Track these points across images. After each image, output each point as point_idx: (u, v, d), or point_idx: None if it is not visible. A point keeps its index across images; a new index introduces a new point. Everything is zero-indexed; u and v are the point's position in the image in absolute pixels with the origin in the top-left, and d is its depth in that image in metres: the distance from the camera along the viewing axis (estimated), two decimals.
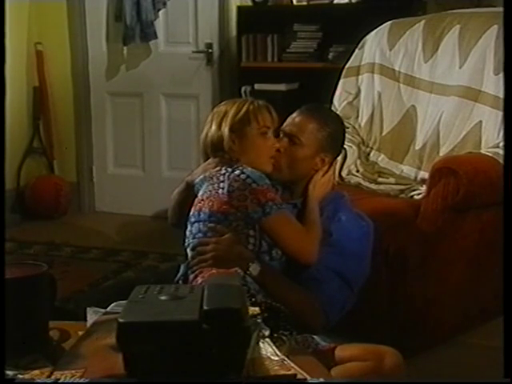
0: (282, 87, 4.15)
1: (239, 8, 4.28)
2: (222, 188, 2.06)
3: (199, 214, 2.12)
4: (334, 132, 2.26)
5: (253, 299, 1.63)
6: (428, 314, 2.48)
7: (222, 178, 2.07)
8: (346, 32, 3.86)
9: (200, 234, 2.09)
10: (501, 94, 2.82)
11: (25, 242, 4.17)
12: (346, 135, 3.31)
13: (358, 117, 3.38)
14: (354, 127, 3.37)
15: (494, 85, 2.85)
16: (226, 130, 2.10)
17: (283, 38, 4.21)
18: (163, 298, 1.24)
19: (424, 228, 2.55)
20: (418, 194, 2.87)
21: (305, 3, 4.16)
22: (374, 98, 3.34)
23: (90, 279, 3.41)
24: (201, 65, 4.57)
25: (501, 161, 2.58)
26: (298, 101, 3.95)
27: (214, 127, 2.13)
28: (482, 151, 2.75)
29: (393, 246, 2.49)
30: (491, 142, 2.80)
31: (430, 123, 3.08)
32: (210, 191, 2.09)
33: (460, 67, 3.02)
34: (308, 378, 1.20)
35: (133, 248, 4.06)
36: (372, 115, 3.32)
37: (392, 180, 3.09)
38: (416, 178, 3.04)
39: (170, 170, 4.82)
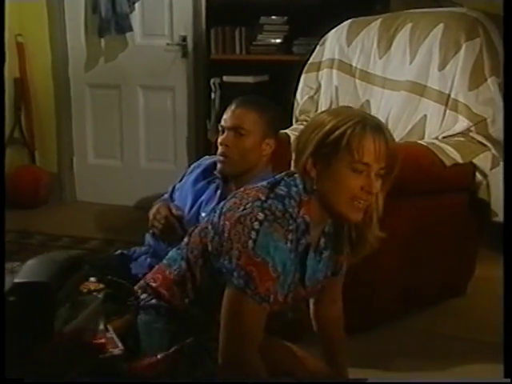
0: (249, 79, 4.40)
1: (208, 0, 4.53)
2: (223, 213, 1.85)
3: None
4: (274, 117, 2.58)
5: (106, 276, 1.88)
6: (361, 298, 2.72)
7: (244, 202, 1.82)
8: (312, 25, 4.12)
9: None
10: (444, 89, 3.08)
11: None
12: None
13: (316, 111, 3.63)
14: None
15: (438, 80, 3.11)
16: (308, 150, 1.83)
17: (251, 30, 4.47)
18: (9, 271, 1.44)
19: None
20: None
21: None
22: (332, 92, 3.60)
23: None
24: (176, 57, 4.83)
25: (435, 151, 2.85)
26: (267, 93, 4.24)
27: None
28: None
29: None
30: (433, 134, 3.06)
31: (381, 117, 3.31)
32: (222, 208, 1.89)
33: (410, 63, 3.27)
34: None
35: (103, 237, 4.33)
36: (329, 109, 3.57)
37: None
38: None
39: (148, 161, 5.10)
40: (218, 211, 1.87)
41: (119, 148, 5.18)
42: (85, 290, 1.46)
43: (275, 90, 4.17)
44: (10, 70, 5.15)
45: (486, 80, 2.99)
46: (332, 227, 1.94)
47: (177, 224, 2.48)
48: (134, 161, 5.15)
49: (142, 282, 2.07)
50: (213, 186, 2.64)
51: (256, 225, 1.73)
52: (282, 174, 1.91)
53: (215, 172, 2.64)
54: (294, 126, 3.67)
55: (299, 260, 1.86)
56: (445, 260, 3.04)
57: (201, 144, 4.83)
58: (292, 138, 3.46)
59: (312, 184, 1.80)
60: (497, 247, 3.84)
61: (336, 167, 1.77)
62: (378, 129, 1.78)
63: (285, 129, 3.63)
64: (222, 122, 2.58)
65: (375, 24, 3.48)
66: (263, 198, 1.78)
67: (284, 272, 1.78)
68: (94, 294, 1.56)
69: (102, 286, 1.64)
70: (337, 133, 1.75)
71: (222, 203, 1.91)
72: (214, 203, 2.53)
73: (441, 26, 3.16)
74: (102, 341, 1.52)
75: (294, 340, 2.09)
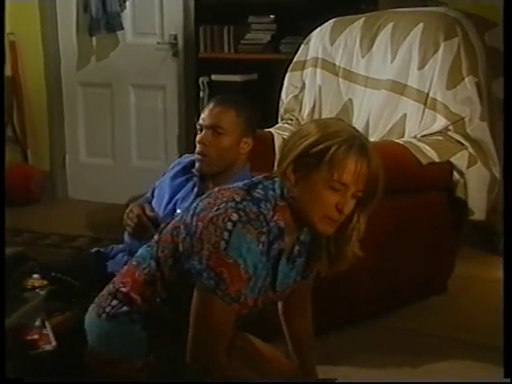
0: (237, 78, 4.44)
1: None
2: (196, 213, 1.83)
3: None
4: (250, 116, 2.61)
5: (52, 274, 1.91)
6: (341, 296, 2.76)
7: (218, 202, 1.81)
8: (300, 24, 4.15)
9: None
10: (423, 88, 3.11)
11: None
12: (289, 127, 3.64)
13: (301, 110, 3.67)
14: (297, 119, 3.66)
15: (417, 79, 3.14)
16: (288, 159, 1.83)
17: (239, 29, 4.50)
18: None
19: None
20: None
21: None
22: (315, 91, 3.63)
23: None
24: (167, 56, 4.86)
25: (412, 150, 2.88)
26: (255, 92, 4.27)
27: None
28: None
29: None
30: (413, 133, 3.09)
31: (363, 116, 3.37)
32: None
33: (391, 62, 3.30)
34: None
35: (94, 235, 4.38)
36: (313, 108, 3.62)
37: None
38: None
39: (140, 159, 5.14)
40: (191, 211, 1.85)
41: (111, 146, 5.22)
42: (29, 287, 1.49)
43: (264, 89, 4.22)
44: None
45: (463, 79, 3.02)
46: (308, 236, 1.93)
47: (149, 224, 2.51)
48: (125, 159, 5.19)
49: (110, 286, 2.01)
50: (190, 184, 2.68)
51: (229, 225, 1.72)
52: (261, 176, 1.91)
53: (193, 170, 2.68)
54: (279, 124, 3.71)
55: (271, 265, 1.87)
56: (423, 258, 3.07)
57: (191, 142, 4.85)
58: (276, 136, 3.50)
59: (290, 190, 1.81)
60: (481, 245, 3.92)
61: (314, 179, 1.77)
62: (363, 151, 1.77)
63: (270, 127, 3.68)
64: (200, 121, 2.62)
65: (358, 23, 3.51)
66: (238, 199, 1.78)
67: (255, 275, 1.79)
68: (37, 290, 1.59)
69: (45, 282, 1.67)
70: (321, 146, 1.75)
71: (195, 203, 1.89)
72: (190, 201, 2.57)
73: (421, 25, 3.19)
74: (35, 337, 1.55)
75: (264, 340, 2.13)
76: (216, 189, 1.90)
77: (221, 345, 1.76)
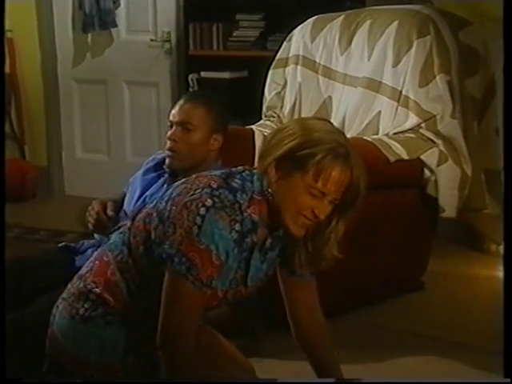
0: (225, 75, 4.50)
1: None
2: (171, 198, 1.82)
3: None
4: (221, 112, 2.64)
5: None
6: None
7: (194, 187, 1.80)
8: (288, 21, 4.19)
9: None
10: (397, 86, 3.15)
11: None
12: (270, 124, 3.69)
13: (282, 107, 3.72)
14: (279, 116, 3.71)
15: (391, 77, 3.19)
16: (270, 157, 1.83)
17: (228, 26, 4.56)
18: None
19: None
20: None
21: None
22: (296, 88, 3.67)
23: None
24: (160, 53, 4.93)
25: (380, 147, 2.92)
26: (245, 89, 4.32)
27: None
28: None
29: None
30: (386, 130, 3.14)
31: (341, 113, 3.41)
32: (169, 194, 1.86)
33: (368, 60, 3.34)
34: None
35: (86, 230, 4.44)
36: (294, 105, 3.66)
37: None
38: None
39: (134, 156, 5.19)
40: (166, 197, 1.84)
41: (106, 143, 5.30)
42: None
43: (254, 86, 4.26)
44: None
45: (434, 77, 3.05)
46: (283, 231, 1.91)
47: (106, 222, 2.57)
48: (120, 155, 5.27)
49: (81, 285, 1.95)
50: (161, 180, 2.72)
51: (202, 210, 1.72)
52: (240, 168, 1.91)
53: (164, 166, 2.73)
54: (261, 121, 3.75)
55: (243, 258, 1.86)
56: (395, 255, 3.10)
57: None
58: (257, 133, 3.55)
59: (268, 186, 1.81)
60: (464, 243, 3.94)
61: (295, 181, 1.78)
62: (347, 160, 1.77)
63: (253, 124, 3.73)
64: (171, 117, 2.65)
65: (337, 21, 3.55)
66: (214, 186, 1.78)
67: (227, 263, 1.79)
68: None
69: None
70: (307, 151, 1.75)
71: (171, 189, 1.87)
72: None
73: (395, 23, 3.23)
74: None
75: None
76: (194, 175, 1.89)
77: (190, 329, 1.77)
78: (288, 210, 1.80)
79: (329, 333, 2.11)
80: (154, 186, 2.73)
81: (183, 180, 1.89)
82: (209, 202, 1.74)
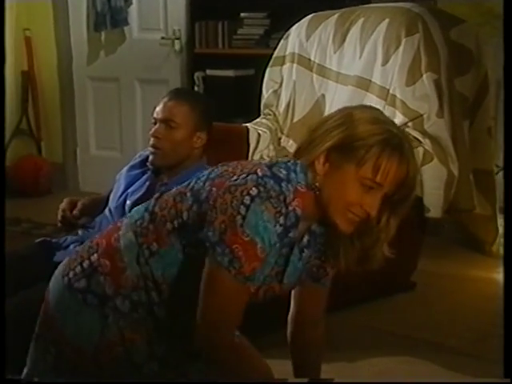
0: (230, 73, 4.53)
1: None
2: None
3: None
4: (205, 110, 2.66)
5: None
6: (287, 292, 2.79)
7: (238, 172, 1.67)
8: (292, 19, 4.19)
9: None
10: (385, 85, 3.15)
11: None
12: (266, 121, 3.71)
13: (278, 105, 3.74)
14: (274, 114, 3.73)
15: (380, 75, 3.18)
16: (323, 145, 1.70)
17: (233, 24, 4.60)
18: None
19: None
20: None
21: None
22: (291, 86, 3.69)
23: None
24: (170, 51, 4.99)
25: None
26: (250, 87, 4.35)
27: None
28: None
29: None
30: None
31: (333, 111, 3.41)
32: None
33: (360, 58, 3.34)
34: None
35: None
36: (288, 103, 3.67)
37: None
38: None
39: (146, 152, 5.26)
40: (203, 177, 1.72)
41: (118, 139, 5.38)
42: None
43: (259, 84, 4.29)
44: (18, 62, 5.43)
45: (421, 76, 3.04)
46: (321, 228, 1.80)
47: (71, 220, 2.66)
48: (132, 152, 5.30)
49: (87, 245, 1.82)
50: (145, 177, 2.77)
51: (247, 199, 1.60)
52: (284, 158, 1.77)
53: (147, 163, 2.77)
54: (257, 119, 3.78)
55: (283, 254, 1.75)
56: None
57: None
58: (251, 131, 3.58)
59: (314, 179, 1.69)
60: (460, 242, 3.91)
61: (346, 174, 1.67)
62: (404, 151, 1.66)
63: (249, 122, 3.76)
64: (154, 114, 2.68)
65: (332, 19, 3.55)
66: (260, 174, 1.64)
67: (267, 257, 1.66)
68: None
69: None
70: (362, 142, 1.65)
71: (208, 170, 1.76)
72: (140, 193, 2.67)
73: (386, 21, 3.22)
74: None
75: None
76: (235, 162, 1.76)
77: (231, 325, 1.64)
78: (337, 204, 1.68)
79: (323, 345, 2.05)
80: (137, 183, 2.77)
81: (222, 163, 1.77)
82: (254, 191, 1.61)
